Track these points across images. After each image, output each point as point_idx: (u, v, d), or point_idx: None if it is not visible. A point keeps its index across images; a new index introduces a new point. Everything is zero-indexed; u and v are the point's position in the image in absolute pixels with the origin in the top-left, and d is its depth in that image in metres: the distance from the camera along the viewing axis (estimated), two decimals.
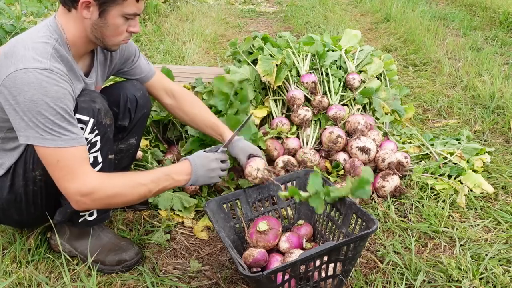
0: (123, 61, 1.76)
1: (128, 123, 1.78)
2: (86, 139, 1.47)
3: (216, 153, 1.67)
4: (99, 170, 1.55)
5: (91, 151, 1.51)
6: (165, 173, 1.54)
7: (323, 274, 1.48)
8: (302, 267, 1.40)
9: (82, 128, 1.45)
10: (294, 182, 1.84)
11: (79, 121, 1.44)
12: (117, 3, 1.39)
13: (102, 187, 1.40)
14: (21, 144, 1.47)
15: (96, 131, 1.49)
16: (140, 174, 1.57)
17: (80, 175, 1.37)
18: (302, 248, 1.65)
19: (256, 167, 1.72)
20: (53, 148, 1.33)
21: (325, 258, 1.43)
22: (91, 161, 1.52)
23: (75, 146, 1.36)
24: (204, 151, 1.67)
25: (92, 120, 1.46)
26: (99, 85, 1.69)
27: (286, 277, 1.38)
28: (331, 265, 1.48)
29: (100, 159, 1.55)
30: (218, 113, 2.24)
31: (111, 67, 1.73)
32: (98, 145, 1.52)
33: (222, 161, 1.68)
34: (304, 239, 1.69)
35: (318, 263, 1.43)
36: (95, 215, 1.66)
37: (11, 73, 1.30)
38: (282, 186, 1.82)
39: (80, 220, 1.65)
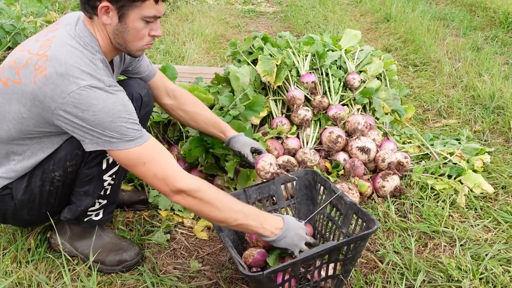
0: (130, 60, 1.76)
1: None
2: None
3: (303, 223, 1.61)
4: (116, 171, 1.58)
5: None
6: (255, 213, 1.48)
7: (323, 274, 1.48)
8: (303, 267, 1.40)
9: None
10: (294, 182, 1.84)
11: None
12: (136, 6, 1.35)
13: (199, 190, 1.39)
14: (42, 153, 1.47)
15: None
16: (232, 199, 1.49)
17: (172, 172, 1.38)
18: None
19: (269, 162, 1.77)
20: (134, 149, 1.35)
21: (326, 258, 1.43)
22: (110, 161, 1.55)
23: (149, 140, 1.39)
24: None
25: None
26: None
27: (287, 277, 1.39)
28: (331, 265, 1.48)
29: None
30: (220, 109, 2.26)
31: (123, 68, 1.74)
32: None
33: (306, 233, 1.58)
34: None
35: (318, 263, 1.43)
36: (101, 215, 1.67)
37: (74, 90, 1.28)
38: (282, 186, 1.83)
39: (85, 219, 1.65)
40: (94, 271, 1.54)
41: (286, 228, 1.48)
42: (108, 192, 1.62)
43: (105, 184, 1.59)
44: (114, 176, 1.60)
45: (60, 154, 1.46)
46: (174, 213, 2.04)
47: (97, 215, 1.66)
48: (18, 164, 1.48)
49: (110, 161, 1.55)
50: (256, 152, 1.91)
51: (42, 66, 1.31)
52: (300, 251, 1.49)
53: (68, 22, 1.44)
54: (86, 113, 1.29)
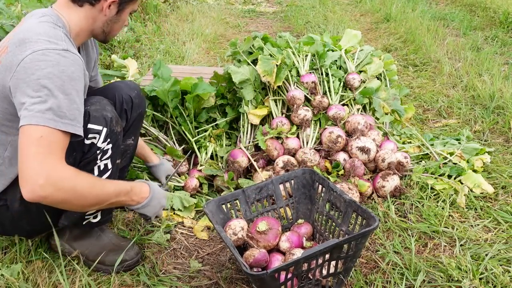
0: (94, 62, 1.78)
1: (125, 124, 1.78)
2: (99, 148, 1.48)
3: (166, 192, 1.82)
4: (108, 177, 1.56)
5: (103, 159, 1.52)
6: (126, 190, 1.49)
7: (324, 272, 1.48)
8: (305, 265, 1.40)
9: (95, 138, 1.45)
10: (293, 182, 1.84)
11: (92, 131, 1.44)
12: (133, 2, 1.52)
13: (72, 179, 1.27)
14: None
15: (109, 140, 1.50)
16: (106, 180, 1.48)
17: (56, 159, 1.25)
18: (302, 247, 1.65)
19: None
20: (47, 128, 1.23)
21: (327, 256, 1.43)
22: (102, 168, 1.53)
23: (68, 133, 1.28)
24: (159, 185, 1.83)
25: (105, 130, 1.47)
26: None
27: (289, 275, 1.39)
28: (333, 263, 1.48)
29: (110, 166, 1.55)
30: None
31: (91, 66, 1.74)
32: (109, 152, 1.53)
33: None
34: (304, 238, 1.69)
35: (320, 261, 1.43)
36: (99, 218, 1.66)
37: (28, 55, 1.27)
38: (281, 186, 1.83)
39: (84, 223, 1.65)
40: (94, 271, 1.54)
41: (151, 197, 1.59)
42: None
43: None
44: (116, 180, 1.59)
45: None
46: (174, 213, 2.04)
47: (95, 217, 1.65)
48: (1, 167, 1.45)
49: (102, 167, 1.53)
50: (167, 177, 2.16)
51: (5, 46, 1.38)
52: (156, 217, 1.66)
53: (32, 14, 1.48)
54: (32, 76, 1.25)
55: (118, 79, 2.64)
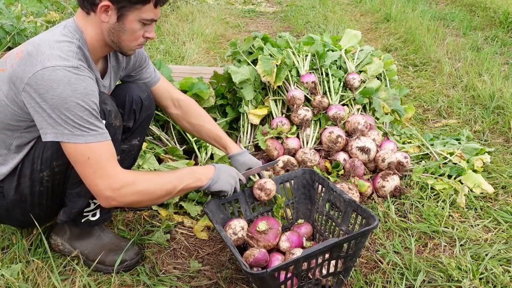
0: (134, 69, 1.78)
1: (132, 124, 1.78)
2: None
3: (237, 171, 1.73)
4: None
5: None
6: (188, 172, 1.56)
7: (324, 272, 1.48)
8: (305, 265, 1.40)
9: None
10: (292, 182, 1.84)
11: None
12: (136, 8, 1.40)
13: (133, 182, 1.40)
14: (28, 144, 1.47)
15: None
16: (166, 172, 1.59)
17: (111, 170, 1.37)
18: (302, 247, 1.65)
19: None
20: (83, 144, 1.33)
21: (327, 255, 1.43)
22: None
23: (103, 141, 1.36)
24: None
25: (103, 122, 1.46)
26: (111, 90, 1.71)
27: (289, 274, 1.39)
28: (333, 262, 1.48)
29: None
30: None
31: (122, 73, 1.74)
32: None
33: (240, 180, 1.73)
34: (304, 238, 1.69)
35: (320, 260, 1.43)
36: (98, 216, 1.67)
37: (38, 71, 1.29)
38: (280, 186, 1.83)
39: (83, 220, 1.65)
40: (94, 271, 1.54)
41: (218, 171, 1.61)
42: None
43: None
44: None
45: (47, 153, 1.46)
46: (174, 213, 2.04)
47: (94, 215, 1.65)
48: (6, 158, 1.48)
49: None
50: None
51: (21, 50, 1.40)
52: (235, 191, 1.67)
53: (59, 24, 1.50)
54: (46, 95, 1.29)
55: None
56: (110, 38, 1.46)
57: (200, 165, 2.32)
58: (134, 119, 1.77)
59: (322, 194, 1.77)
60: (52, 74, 1.29)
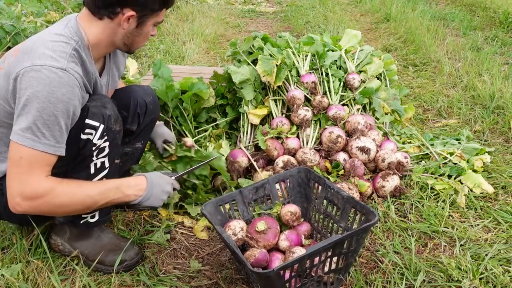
0: (122, 66, 1.79)
1: (136, 128, 1.79)
2: (95, 144, 1.47)
3: (172, 178, 1.68)
4: (105, 175, 1.56)
5: (99, 156, 1.51)
6: (115, 186, 1.50)
7: (326, 269, 1.49)
8: (309, 262, 1.40)
9: (91, 134, 1.45)
10: (288, 181, 1.84)
11: (89, 126, 1.44)
12: (156, 15, 1.49)
13: (49, 193, 1.35)
14: None
15: (106, 137, 1.49)
16: (90, 185, 1.49)
17: (33, 178, 1.33)
18: (302, 245, 1.65)
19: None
20: (26, 147, 1.30)
21: (329, 252, 1.44)
22: (98, 166, 1.52)
23: (48, 153, 1.33)
24: (161, 173, 1.68)
25: (102, 126, 1.46)
26: (110, 88, 1.70)
27: (293, 273, 1.39)
28: (334, 259, 1.48)
29: (107, 164, 1.55)
30: None
31: (118, 73, 1.75)
32: (106, 150, 1.52)
33: (174, 189, 1.69)
34: (303, 236, 1.69)
35: (323, 257, 1.43)
36: (97, 217, 1.66)
37: (26, 67, 1.30)
38: (277, 185, 1.83)
39: (81, 222, 1.64)
40: (94, 271, 1.54)
41: (150, 186, 1.55)
42: None
43: None
44: (104, 180, 1.58)
45: None
46: (174, 213, 2.03)
47: (92, 217, 1.65)
48: (5, 155, 1.48)
49: (98, 165, 1.53)
50: (166, 143, 2.00)
51: (18, 49, 1.41)
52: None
53: (62, 19, 1.50)
54: (24, 91, 1.29)
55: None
56: (123, 41, 1.48)
57: None
58: (138, 123, 1.77)
59: (319, 192, 1.77)
60: (37, 73, 1.30)
